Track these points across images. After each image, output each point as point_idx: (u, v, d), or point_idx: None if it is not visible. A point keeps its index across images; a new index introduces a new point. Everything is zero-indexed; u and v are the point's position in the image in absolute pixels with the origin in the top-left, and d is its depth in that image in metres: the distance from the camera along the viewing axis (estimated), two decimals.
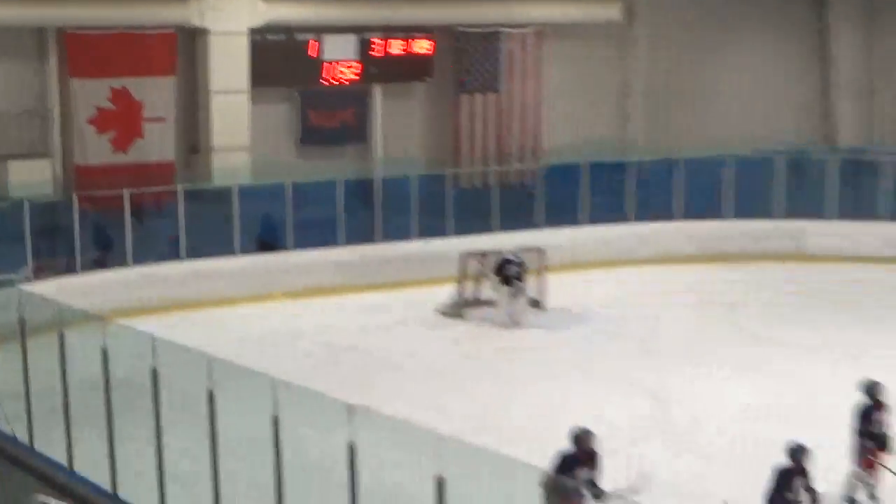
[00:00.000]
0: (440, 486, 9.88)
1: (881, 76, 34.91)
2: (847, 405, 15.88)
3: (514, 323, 24.88)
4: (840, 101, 35.31)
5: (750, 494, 14.76)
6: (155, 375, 13.68)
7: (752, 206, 31.51)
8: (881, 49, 35.17)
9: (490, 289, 25.79)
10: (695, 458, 17.38)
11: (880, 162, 31.87)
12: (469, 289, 26.28)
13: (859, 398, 15.68)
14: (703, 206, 31.45)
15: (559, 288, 26.45)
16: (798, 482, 13.21)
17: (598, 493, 12.71)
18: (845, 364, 21.24)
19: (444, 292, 26.33)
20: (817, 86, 35.84)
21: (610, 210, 31.06)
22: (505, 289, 24.99)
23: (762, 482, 14.57)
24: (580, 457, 13.11)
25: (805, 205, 31.30)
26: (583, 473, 12.89)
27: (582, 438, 13.26)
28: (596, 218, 30.68)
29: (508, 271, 24.86)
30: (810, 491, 13.57)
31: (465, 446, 11.00)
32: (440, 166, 30.83)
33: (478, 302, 26.04)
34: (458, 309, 25.95)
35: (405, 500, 12.61)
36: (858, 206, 31.45)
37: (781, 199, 31.56)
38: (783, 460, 13.25)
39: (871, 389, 15.71)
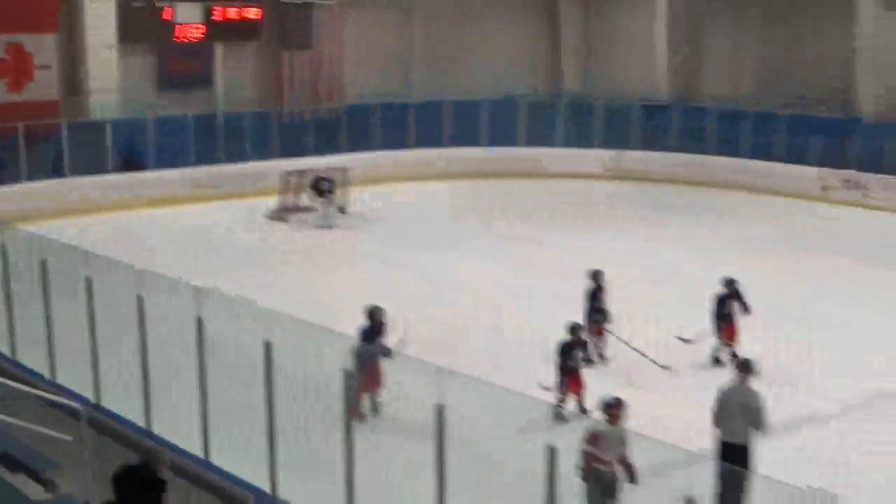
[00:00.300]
0: (268, 348, 10.73)
1: (596, 40, 36.97)
2: (575, 287, 17.30)
3: (326, 225, 26.70)
4: (566, 58, 37.55)
5: (495, 338, 16.81)
6: (44, 266, 14.36)
7: (501, 137, 33.79)
8: (596, 20, 37.14)
9: (307, 199, 27.49)
10: (459, 317, 18.57)
11: (594, 105, 34.42)
12: (290, 199, 27.86)
13: (587, 283, 16.81)
14: (465, 137, 33.54)
15: (359, 198, 28.33)
16: (577, 352, 14.24)
17: (387, 352, 13.43)
18: (571, 254, 22.85)
19: (271, 201, 28.00)
20: (549, 47, 37.70)
21: (396, 139, 33.05)
22: (319, 199, 26.91)
23: (505, 332, 16.91)
24: (375, 328, 13.98)
25: (540, 136, 33.83)
26: (379, 341, 13.82)
27: (374, 313, 14.23)
28: (386, 145, 32.80)
29: (321, 186, 26.86)
30: (587, 360, 14.97)
31: (289, 318, 11.35)
32: (267, 105, 32.26)
33: (297, 209, 27.73)
34: (282, 214, 27.68)
35: (242, 358, 12.20)
36: (579, 137, 34.06)
37: (523, 132, 34.14)
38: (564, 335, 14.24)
39: (596, 276, 16.86)
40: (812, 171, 31.33)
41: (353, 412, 12.44)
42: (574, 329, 14.19)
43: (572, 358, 13.85)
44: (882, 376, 15.91)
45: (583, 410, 13.51)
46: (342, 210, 27.77)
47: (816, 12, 32.61)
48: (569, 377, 13.90)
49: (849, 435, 13.89)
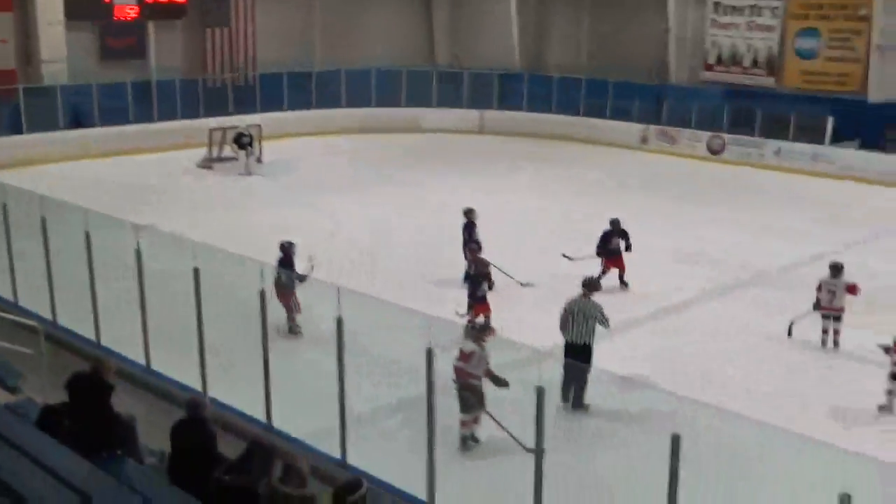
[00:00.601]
0: (196, 274, 10.62)
1: (462, 21, 36.53)
2: (451, 221, 17.27)
3: (246, 173, 26.18)
4: (438, 35, 37.25)
5: (389, 265, 16.74)
6: (5, 209, 14.25)
7: (387, 99, 33.58)
8: (462, 5, 36.61)
9: (230, 151, 27.03)
10: (359, 248, 18.52)
11: (461, 73, 34.48)
12: (215, 151, 27.39)
13: (464, 218, 16.42)
14: (358, 99, 33.35)
15: (272, 150, 27.92)
16: (484, 283, 13.65)
17: (301, 278, 12.91)
18: (447, 193, 22.92)
19: (200, 153, 27.50)
20: (425, 26, 37.14)
21: (301, 101, 32.45)
22: (240, 151, 26.39)
23: (397, 260, 16.95)
24: (287, 260, 13.65)
25: (419, 98, 33.77)
26: (291, 271, 13.39)
27: (286, 247, 13.84)
28: (292, 106, 32.18)
29: (242, 140, 26.29)
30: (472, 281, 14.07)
31: (214, 250, 11.45)
32: (193, 73, 31.39)
33: (221, 159, 27.22)
34: (209, 163, 27.14)
35: (172, 282, 11.84)
36: (451, 98, 33.92)
37: (405, 95, 33.89)
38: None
39: (469, 213, 16.51)
40: (634, 126, 31.90)
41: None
42: (480, 263, 13.84)
43: (480, 288, 13.50)
44: (683, 289, 16.17)
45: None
46: (259, 160, 27.31)
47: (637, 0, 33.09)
48: (478, 303, 13.64)
49: (665, 333, 14.24)
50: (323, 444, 9.46)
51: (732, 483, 9.14)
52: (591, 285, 11.82)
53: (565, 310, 11.61)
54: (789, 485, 8.77)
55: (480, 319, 13.09)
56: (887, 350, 11.49)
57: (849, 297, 13.61)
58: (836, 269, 13.73)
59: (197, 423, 7.16)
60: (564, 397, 11.13)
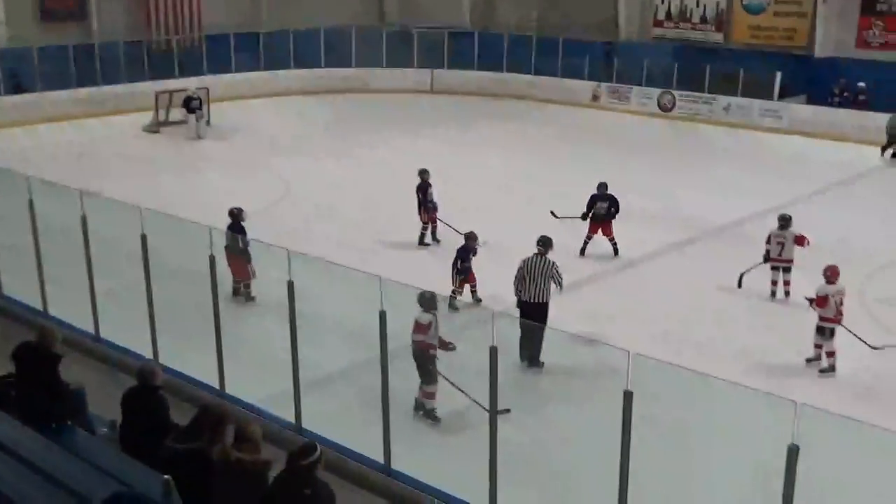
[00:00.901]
0: (144, 240, 10.51)
1: None
2: (403, 181, 17.24)
3: (196, 137, 25.77)
4: None
5: (342, 226, 16.45)
6: None
7: (337, 59, 33.21)
8: None
9: (178, 115, 26.51)
10: (310, 210, 18.48)
11: (412, 33, 33.93)
12: (162, 115, 27.01)
13: (418, 179, 16.20)
14: (307, 60, 32.82)
15: (220, 113, 27.70)
16: (470, 255, 13.17)
17: (245, 246, 12.75)
18: (399, 154, 23.03)
19: (146, 117, 27.01)
20: None
21: (249, 64, 32.04)
22: (190, 115, 25.88)
23: (350, 221, 16.84)
24: (237, 225, 13.35)
25: (368, 58, 33.40)
26: (242, 236, 13.03)
27: (236, 213, 13.64)
28: (241, 68, 31.80)
29: (191, 104, 25.80)
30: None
31: (163, 216, 11.19)
32: (137, 36, 30.52)
33: (169, 123, 26.81)
34: (156, 127, 26.75)
35: (120, 250, 11.92)
36: (400, 59, 33.62)
37: (354, 55, 33.44)
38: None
39: (423, 173, 16.21)
40: (586, 84, 31.94)
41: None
42: (469, 237, 13.33)
43: (466, 259, 13.17)
44: (634, 245, 16.27)
45: (477, 300, 13.24)
46: (207, 123, 26.96)
47: None
48: (464, 274, 13.27)
49: (617, 289, 14.36)
50: (277, 410, 9.39)
51: (683, 436, 9.32)
52: (545, 243, 11.77)
53: (520, 269, 11.62)
54: (739, 436, 8.93)
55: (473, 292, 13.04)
56: (811, 302, 11.65)
57: (798, 249, 13.77)
58: (785, 221, 13.89)
59: (148, 391, 7.10)
60: (522, 356, 11.18)
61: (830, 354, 11.56)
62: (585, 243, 15.63)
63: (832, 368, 11.53)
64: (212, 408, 6.50)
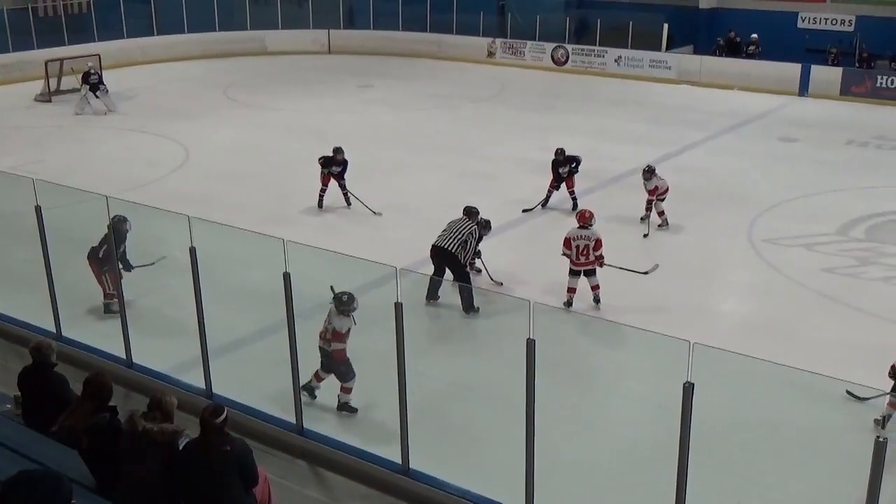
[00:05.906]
0: (38, 212, 9.81)
1: None
2: (302, 143, 17.73)
3: (88, 105, 24.51)
4: None
5: (243, 189, 16.15)
6: None
7: (231, 22, 32.80)
8: None
9: (73, 84, 25.67)
10: (212, 174, 17.96)
11: None
12: (53, 83, 26.22)
13: (334, 158, 15.52)
14: (202, 24, 32.22)
15: (115, 80, 26.16)
16: (482, 235, 12.30)
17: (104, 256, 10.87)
18: (296, 117, 22.87)
19: (37, 86, 26.17)
20: None
21: (142, 28, 31.27)
22: (86, 87, 24.58)
23: (250, 183, 16.46)
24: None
25: (263, 20, 33.11)
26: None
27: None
28: (132, 34, 30.84)
29: (90, 79, 24.56)
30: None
31: (59, 187, 10.91)
32: (22, 2, 29.42)
33: (60, 91, 26.09)
34: (47, 97, 26.00)
35: (15, 222, 11.33)
36: (296, 19, 33.35)
37: (249, 17, 33.10)
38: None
39: (338, 152, 15.54)
40: (482, 41, 31.98)
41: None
42: (481, 222, 12.49)
43: (479, 239, 12.27)
44: (531, 197, 16.38)
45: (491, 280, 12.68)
46: (104, 90, 25.59)
47: None
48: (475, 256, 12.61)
49: (515, 243, 14.44)
50: (187, 377, 9.22)
51: (585, 380, 9.49)
52: (471, 214, 11.98)
53: (448, 225, 11.96)
54: (638, 376, 9.14)
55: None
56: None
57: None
58: (650, 173, 14.67)
59: (44, 367, 6.93)
60: (431, 295, 11.37)
61: (594, 288, 11.62)
62: (548, 196, 15.85)
63: (597, 300, 11.60)
64: (92, 379, 6.37)
